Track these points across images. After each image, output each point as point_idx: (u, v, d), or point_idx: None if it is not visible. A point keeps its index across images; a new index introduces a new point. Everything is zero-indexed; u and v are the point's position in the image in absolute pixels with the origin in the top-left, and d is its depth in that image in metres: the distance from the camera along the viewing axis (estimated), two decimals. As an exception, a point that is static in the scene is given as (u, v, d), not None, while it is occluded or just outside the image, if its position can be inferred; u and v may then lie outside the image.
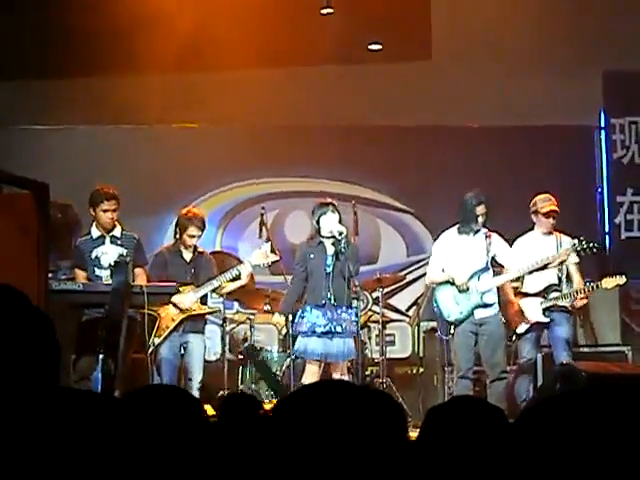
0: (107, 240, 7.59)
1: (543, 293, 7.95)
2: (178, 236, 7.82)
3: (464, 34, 10.12)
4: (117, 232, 7.63)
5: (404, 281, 10.09)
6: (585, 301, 8.12)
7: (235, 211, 10.57)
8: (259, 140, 10.42)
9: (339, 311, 7.39)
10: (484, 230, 7.85)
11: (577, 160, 10.48)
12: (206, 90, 10.13)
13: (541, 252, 7.97)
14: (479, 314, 7.74)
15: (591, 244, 7.86)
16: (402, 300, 10.34)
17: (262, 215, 8.31)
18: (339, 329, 7.36)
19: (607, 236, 10.39)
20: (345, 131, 10.57)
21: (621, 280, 7.88)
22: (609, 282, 7.88)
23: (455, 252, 7.83)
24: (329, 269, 7.38)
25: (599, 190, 10.56)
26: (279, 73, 10.29)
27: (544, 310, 7.91)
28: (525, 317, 7.95)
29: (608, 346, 8.81)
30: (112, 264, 7.25)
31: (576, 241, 7.87)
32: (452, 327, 7.77)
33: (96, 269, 7.55)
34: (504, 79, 10.21)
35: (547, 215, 8.01)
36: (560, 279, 7.93)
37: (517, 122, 10.33)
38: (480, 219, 7.78)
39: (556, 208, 8.01)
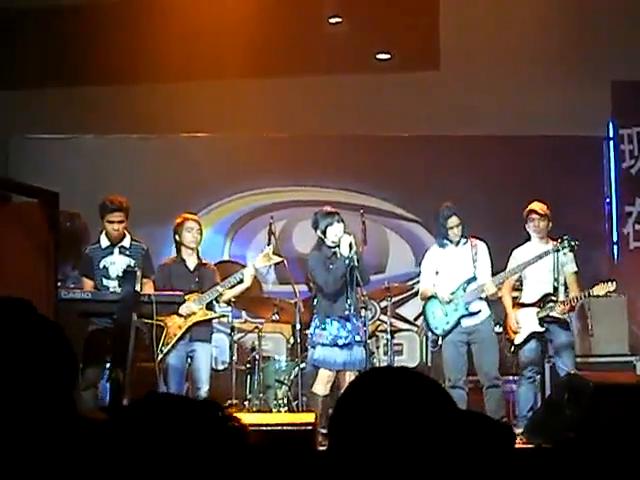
0: (116, 250, 7.60)
1: (539, 303, 7.90)
2: (179, 242, 7.81)
3: (472, 44, 10.14)
4: (126, 242, 7.64)
5: (412, 290, 10.07)
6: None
7: (243, 220, 10.58)
8: (267, 150, 10.42)
9: (354, 320, 7.40)
10: (465, 240, 7.82)
11: (585, 170, 10.46)
12: (215, 99, 10.15)
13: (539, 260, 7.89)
14: (466, 322, 7.77)
15: (572, 242, 7.73)
16: (410, 310, 10.31)
17: (270, 224, 8.30)
18: (358, 338, 7.38)
19: (615, 246, 10.37)
20: (353, 140, 10.57)
21: (612, 286, 7.75)
22: (600, 289, 7.77)
23: (442, 266, 7.85)
24: (347, 279, 7.33)
25: (607, 200, 10.54)
26: (287, 82, 10.31)
27: (540, 320, 7.86)
28: (519, 327, 7.90)
29: (616, 356, 8.78)
30: (120, 274, 7.26)
31: (559, 241, 7.77)
32: (440, 339, 7.78)
33: (104, 279, 7.56)
34: (512, 89, 10.21)
35: (528, 216, 7.95)
36: (556, 288, 7.79)
37: (525, 132, 10.32)
38: (453, 231, 7.77)
39: (537, 208, 7.93)
